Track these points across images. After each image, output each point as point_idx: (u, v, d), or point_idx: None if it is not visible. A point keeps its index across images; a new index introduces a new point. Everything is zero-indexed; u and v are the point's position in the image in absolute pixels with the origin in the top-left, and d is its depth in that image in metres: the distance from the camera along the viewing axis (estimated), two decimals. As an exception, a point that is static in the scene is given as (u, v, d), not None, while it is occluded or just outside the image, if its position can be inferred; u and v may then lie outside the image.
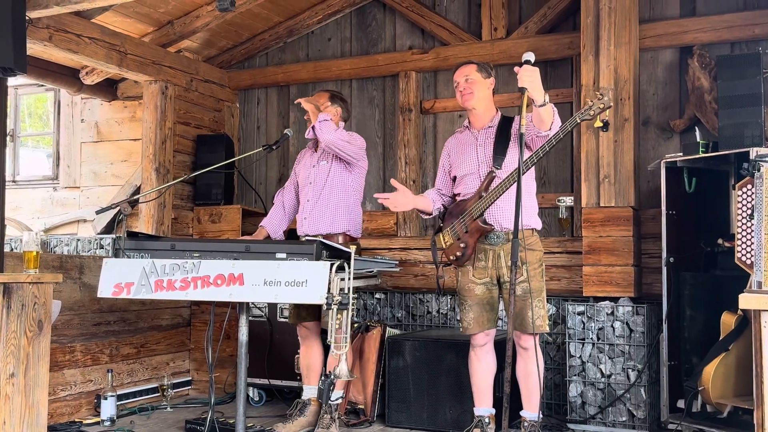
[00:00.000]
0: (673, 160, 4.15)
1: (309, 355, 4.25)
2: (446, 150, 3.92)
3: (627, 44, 4.48)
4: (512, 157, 3.58)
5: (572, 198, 4.97)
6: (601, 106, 3.29)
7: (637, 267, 4.48)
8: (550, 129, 3.38)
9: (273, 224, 4.33)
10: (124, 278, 3.32)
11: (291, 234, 4.55)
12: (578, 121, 3.33)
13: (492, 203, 3.53)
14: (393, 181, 3.80)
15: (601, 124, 3.30)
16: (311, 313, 4.18)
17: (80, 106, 6.55)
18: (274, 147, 4.24)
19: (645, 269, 4.57)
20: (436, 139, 5.56)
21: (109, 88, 6.34)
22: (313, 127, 4.01)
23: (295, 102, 4.20)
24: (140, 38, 5.43)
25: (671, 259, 4.12)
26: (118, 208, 3.73)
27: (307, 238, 3.93)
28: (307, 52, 6.04)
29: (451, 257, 3.69)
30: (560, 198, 4.97)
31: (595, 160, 4.50)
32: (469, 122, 3.82)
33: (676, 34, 4.72)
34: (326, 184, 4.12)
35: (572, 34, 5.00)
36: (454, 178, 3.83)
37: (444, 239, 3.72)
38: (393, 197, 3.70)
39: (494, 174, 3.58)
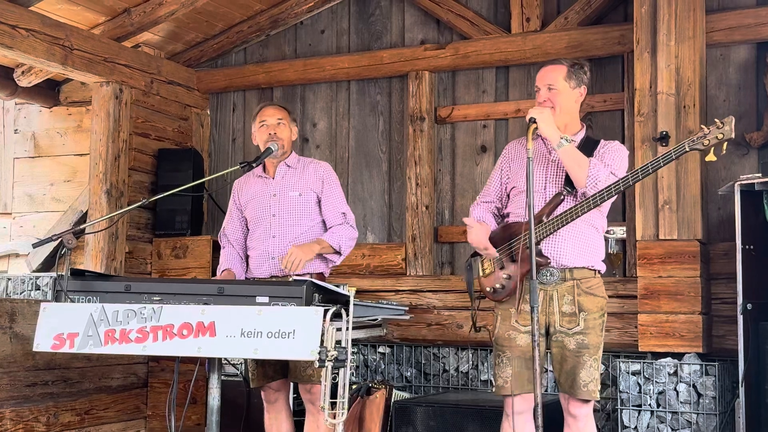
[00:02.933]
0: (750, 182, 4.15)
1: (280, 423, 4.22)
2: (506, 156, 3.85)
3: (691, 39, 4.51)
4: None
5: (624, 229, 4.97)
6: (720, 136, 3.31)
7: (706, 315, 4.47)
8: (586, 186, 3.44)
9: (237, 268, 4.35)
10: (66, 328, 3.31)
11: None
12: (687, 149, 3.37)
13: (553, 232, 3.53)
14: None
15: (714, 158, 3.35)
16: (279, 369, 4.16)
17: (14, 114, 6.59)
18: (254, 165, 4.23)
19: (716, 318, 4.56)
20: (454, 154, 5.58)
21: (50, 92, 6.38)
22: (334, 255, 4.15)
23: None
24: (89, 30, 5.48)
25: (749, 306, 4.11)
26: (59, 239, 3.72)
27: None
28: (295, 47, 6.09)
29: (488, 288, 3.68)
30: (609, 229, 4.97)
31: (653, 181, 4.50)
32: None
33: (752, 26, 4.75)
34: (301, 218, 4.17)
35: (623, 26, 5.04)
36: (509, 195, 3.80)
37: (482, 265, 3.72)
38: (475, 228, 3.70)
39: (562, 197, 3.58)
